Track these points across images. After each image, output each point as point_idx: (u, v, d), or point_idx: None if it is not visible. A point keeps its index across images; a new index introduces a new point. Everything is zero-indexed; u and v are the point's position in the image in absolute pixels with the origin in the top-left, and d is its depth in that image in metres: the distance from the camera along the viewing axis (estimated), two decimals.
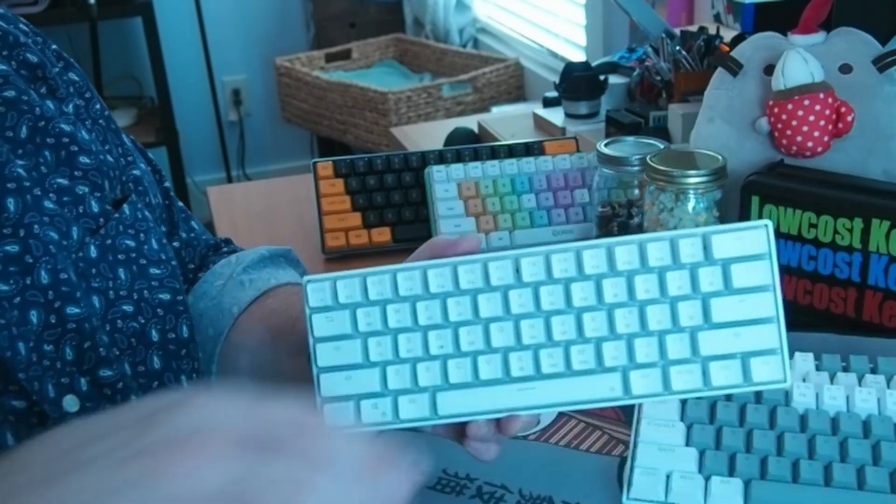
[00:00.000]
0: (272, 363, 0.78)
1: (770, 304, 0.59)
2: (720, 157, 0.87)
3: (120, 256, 0.69)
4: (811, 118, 0.87)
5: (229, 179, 3.33)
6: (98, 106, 0.76)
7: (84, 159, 0.70)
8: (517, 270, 0.62)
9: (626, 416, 0.77)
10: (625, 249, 0.60)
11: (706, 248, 0.60)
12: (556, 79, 1.47)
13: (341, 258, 1.11)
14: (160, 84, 2.91)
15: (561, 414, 0.77)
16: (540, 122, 1.48)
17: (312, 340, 0.64)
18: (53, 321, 0.63)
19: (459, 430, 0.65)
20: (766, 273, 0.59)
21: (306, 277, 0.65)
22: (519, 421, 0.62)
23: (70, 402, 0.62)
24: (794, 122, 0.87)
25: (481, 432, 0.63)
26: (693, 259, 0.60)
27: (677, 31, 1.34)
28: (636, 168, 0.95)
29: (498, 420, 0.63)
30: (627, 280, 0.60)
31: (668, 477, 0.65)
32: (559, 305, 0.61)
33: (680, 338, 0.60)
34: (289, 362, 0.77)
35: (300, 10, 3.36)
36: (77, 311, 0.64)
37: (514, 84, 2.61)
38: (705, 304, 0.59)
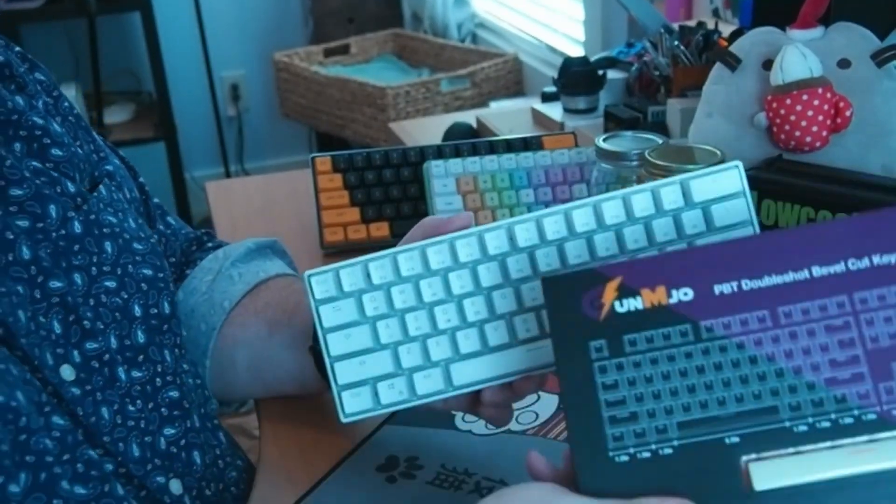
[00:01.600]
0: (270, 357, 0.79)
1: None
2: (718, 153, 0.87)
3: (105, 230, 0.70)
4: (810, 113, 0.87)
5: (228, 174, 3.32)
6: (66, 104, 0.77)
7: (56, 151, 0.70)
8: (511, 238, 0.64)
9: None
10: (611, 205, 0.64)
11: (685, 193, 0.63)
12: (555, 74, 1.47)
13: (340, 253, 1.11)
14: (158, 79, 2.91)
15: (560, 409, 0.78)
16: (538, 117, 1.48)
17: (322, 331, 0.66)
18: (38, 296, 0.64)
19: (473, 399, 0.67)
20: (742, 210, 0.63)
21: (308, 272, 0.66)
22: (532, 381, 0.65)
23: (66, 372, 0.64)
24: (793, 117, 0.87)
25: (496, 398, 0.66)
26: (675, 205, 0.63)
27: (676, 25, 1.34)
28: (635, 163, 0.95)
29: (511, 383, 0.65)
30: (616, 234, 0.64)
31: None
32: (555, 265, 0.64)
33: None
34: (287, 355, 0.77)
35: (298, 5, 3.35)
36: (59, 285, 0.65)
37: (512, 79, 2.61)
38: (691, 245, 0.63)
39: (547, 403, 0.78)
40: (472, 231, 0.65)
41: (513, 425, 0.76)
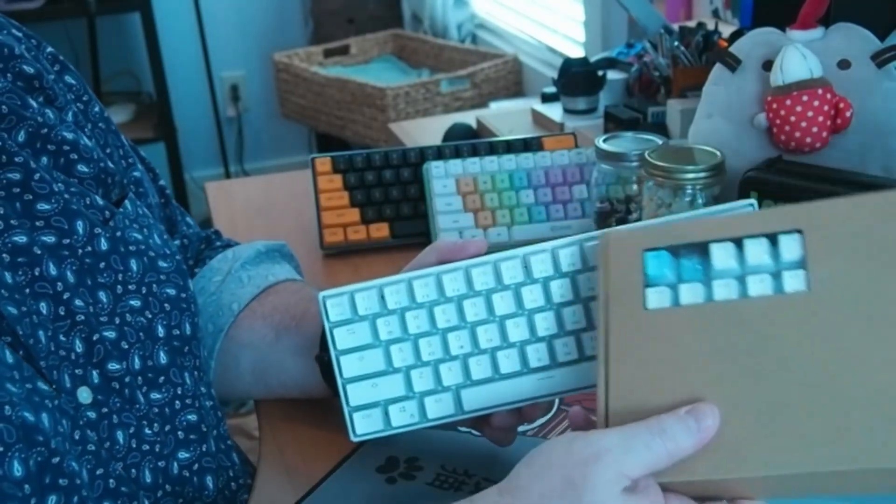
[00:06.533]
0: (275, 362, 0.79)
1: None
2: (718, 153, 0.87)
3: (131, 248, 0.70)
4: (809, 114, 0.87)
5: (227, 175, 3.32)
6: (97, 109, 0.77)
7: (83, 167, 0.70)
8: (526, 268, 0.65)
9: None
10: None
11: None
12: (555, 74, 1.47)
13: (339, 254, 1.11)
14: (158, 80, 2.91)
15: (560, 409, 0.78)
16: (538, 118, 1.48)
17: (335, 353, 0.66)
18: (62, 313, 0.63)
19: (482, 419, 0.67)
20: None
21: (323, 293, 0.66)
22: (540, 408, 0.66)
23: (84, 394, 0.63)
24: (793, 118, 0.87)
25: (505, 422, 0.67)
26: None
27: (676, 26, 1.34)
28: (634, 164, 0.95)
29: (520, 409, 0.66)
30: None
31: None
32: (569, 297, 0.64)
33: None
34: (292, 361, 0.77)
35: (298, 6, 3.35)
36: (81, 303, 0.64)
37: (512, 80, 2.61)
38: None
39: None
40: (487, 259, 0.65)
41: None
